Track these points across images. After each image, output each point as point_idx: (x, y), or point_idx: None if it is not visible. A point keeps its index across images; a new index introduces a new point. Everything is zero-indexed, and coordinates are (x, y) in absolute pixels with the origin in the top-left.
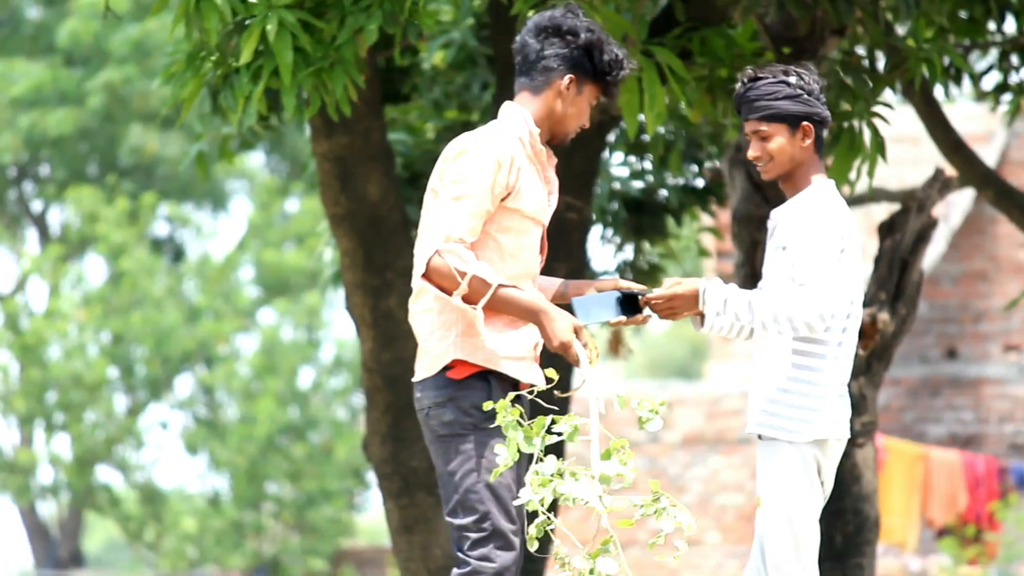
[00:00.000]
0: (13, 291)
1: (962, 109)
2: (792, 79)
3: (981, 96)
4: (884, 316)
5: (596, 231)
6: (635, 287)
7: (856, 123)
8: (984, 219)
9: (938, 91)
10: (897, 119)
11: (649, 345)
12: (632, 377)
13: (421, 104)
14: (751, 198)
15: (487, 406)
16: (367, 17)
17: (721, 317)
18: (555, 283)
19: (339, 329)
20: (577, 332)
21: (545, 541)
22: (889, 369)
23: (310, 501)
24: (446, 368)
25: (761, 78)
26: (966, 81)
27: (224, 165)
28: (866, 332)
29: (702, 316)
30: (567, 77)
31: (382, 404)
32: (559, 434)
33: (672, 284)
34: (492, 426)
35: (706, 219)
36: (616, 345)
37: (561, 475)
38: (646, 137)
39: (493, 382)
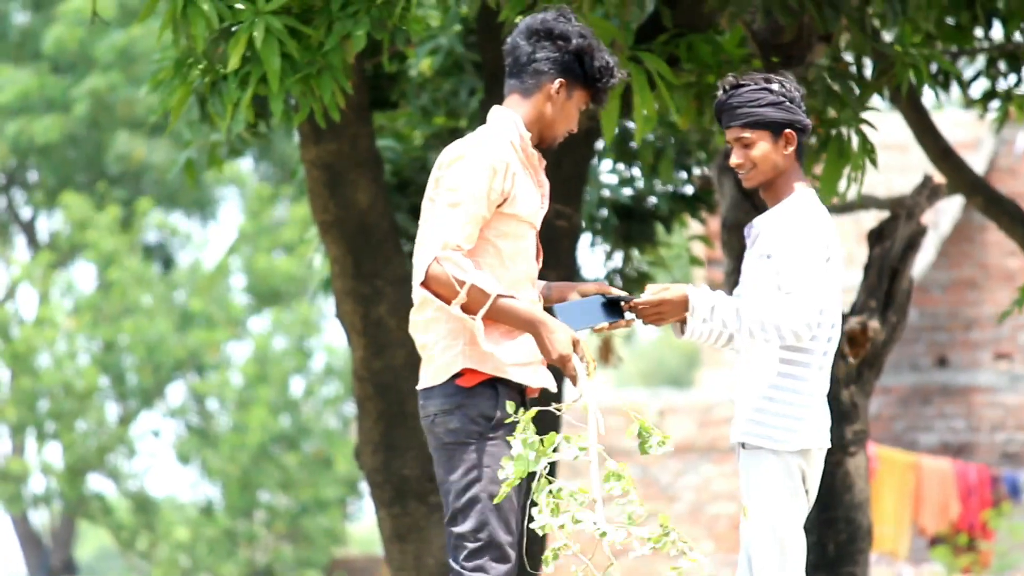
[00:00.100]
0: (3, 299)
1: (950, 116)
2: (774, 86)
3: (969, 103)
4: (874, 324)
5: (585, 239)
6: (618, 292)
7: (844, 130)
8: (973, 227)
9: (926, 98)
10: (885, 126)
11: (641, 354)
12: (624, 386)
13: (409, 111)
14: (740, 205)
15: (511, 407)
16: (355, 23)
17: (707, 324)
18: (538, 286)
19: (330, 337)
20: (575, 344)
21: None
22: (880, 377)
23: (303, 510)
24: (454, 376)
25: (743, 85)
26: (954, 88)
27: (213, 172)
28: (856, 340)
29: (683, 322)
30: (557, 81)
31: (374, 412)
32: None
33: (660, 289)
34: (497, 436)
35: (696, 227)
36: (606, 353)
37: (573, 496)
38: (634, 144)
39: (501, 390)
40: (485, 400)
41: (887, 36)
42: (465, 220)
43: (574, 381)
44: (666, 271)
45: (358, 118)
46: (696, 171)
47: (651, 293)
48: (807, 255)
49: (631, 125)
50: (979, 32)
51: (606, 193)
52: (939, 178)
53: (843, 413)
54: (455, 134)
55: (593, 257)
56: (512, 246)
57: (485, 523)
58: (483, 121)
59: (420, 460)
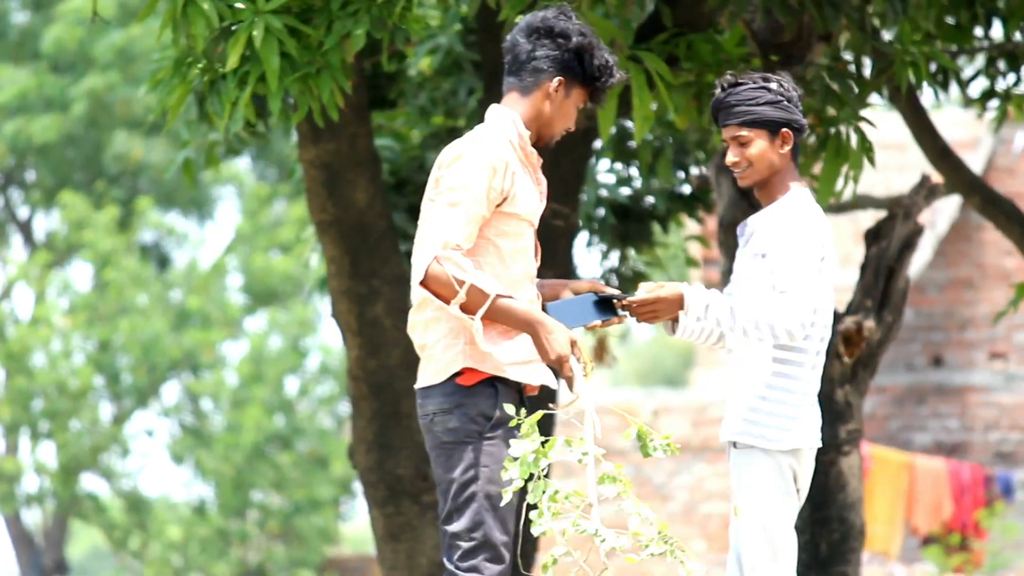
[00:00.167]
0: None
1: (949, 115)
2: (773, 85)
3: (968, 102)
4: (870, 324)
5: (582, 238)
6: (610, 290)
7: (843, 129)
8: (970, 226)
9: (925, 97)
10: (883, 125)
11: (636, 353)
12: (619, 385)
13: (407, 110)
14: (738, 204)
15: (510, 409)
16: (354, 22)
17: (700, 322)
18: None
19: (325, 336)
20: (572, 345)
21: (531, 552)
22: (875, 377)
23: (296, 510)
24: (454, 375)
25: (741, 83)
26: (953, 87)
27: (211, 172)
28: (852, 340)
29: (675, 320)
30: (556, 79)
31: (368, 412)
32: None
33: (655, 287)
34: (496, 435)
35: (692, 227)
36: (601, 353)
37: (568, 499)
38: (632, 143)
39: (500, 388)
40: (485, 399)
41: (887, 35)
42: (465, 219)
43: (570, 383)
44: (662, 271)
45: (357, 118)
46: (694, 171)
47: (646, 291)
48: (802, 254)
49: (629, 124)
50: (979, 31)
51: (603, 192)
52: (937, 177)
53: (837, 412)
54: (453, 133)
55: (590, 256)
56: (512, 245)
57: (481, 522)
58: (482, 120)
59: (414, 460)
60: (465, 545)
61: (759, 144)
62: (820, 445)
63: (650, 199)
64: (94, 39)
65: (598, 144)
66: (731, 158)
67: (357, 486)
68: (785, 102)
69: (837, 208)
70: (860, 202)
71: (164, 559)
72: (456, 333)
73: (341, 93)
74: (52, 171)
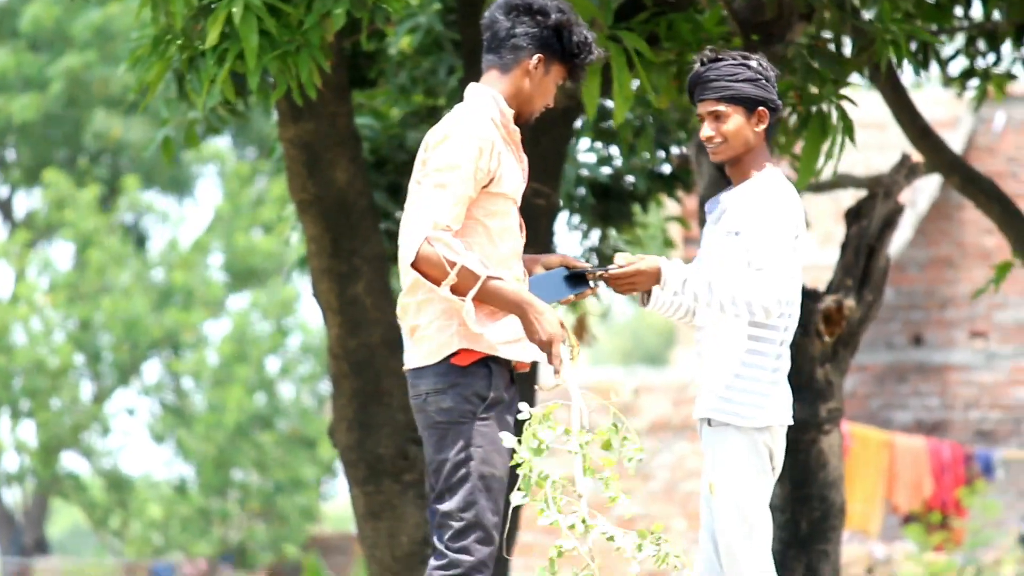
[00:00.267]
0: None
1: (929, 95)
2: (752, 63)
3: (948, 81)
4: (850, 302)
5: (563, 217)
6: (580, 263)
7: (824, 107)
8: (951, 205)
9: (905, 76)
10: (864, 105)
11: (617, 331)
12: (601, 364)
13: (387, 89)
14: (718, 184)
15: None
16: (334, 1)
17: (678, 296)
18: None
19: (306, 315)
20: (561, 327)
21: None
22: (855, 356)
23: (278, 489)
24: (448, 356)
25: (721, 59)
26: (933, 66)
27: (192, 151)
28: (832, 318)
29: (647, 293)
30: (536, 57)
31: (348, 391)
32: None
33: (636, 260)
34: (490, 416)
35: (672, 207)
36: (580, 331)
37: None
38: (612, 122)
39: (494, 368)
40: (479, 379)
41: (867, 14)
42: (453, 200)
43: (557, 366)
44: (642, 251)
45: (337, 97)
46: (674, 150)
47: (625, 262)
48: (778, 232)
49: (609, 103)
50: (958, 11)
51: (584, 172)
52: (917, 157)
53: (818, 391)
54: (433, 112)
55: (570, 236)
56: (499, 224)
57: (473, 503)
58: (462, 99)
59: (394, 438)
60: (456, 525)
61: (735, 120)
62: (792, 423)
63: (630, 178)
64: (72, 18)
65: (579, 123)
66: (706, 132)
67: (338, 465)
68: (763, 81)
69: (818, 187)
70: (841, 181)
71: (145, 538)
72: (449, 314)
73: (320, 72)
74: (32, 150)
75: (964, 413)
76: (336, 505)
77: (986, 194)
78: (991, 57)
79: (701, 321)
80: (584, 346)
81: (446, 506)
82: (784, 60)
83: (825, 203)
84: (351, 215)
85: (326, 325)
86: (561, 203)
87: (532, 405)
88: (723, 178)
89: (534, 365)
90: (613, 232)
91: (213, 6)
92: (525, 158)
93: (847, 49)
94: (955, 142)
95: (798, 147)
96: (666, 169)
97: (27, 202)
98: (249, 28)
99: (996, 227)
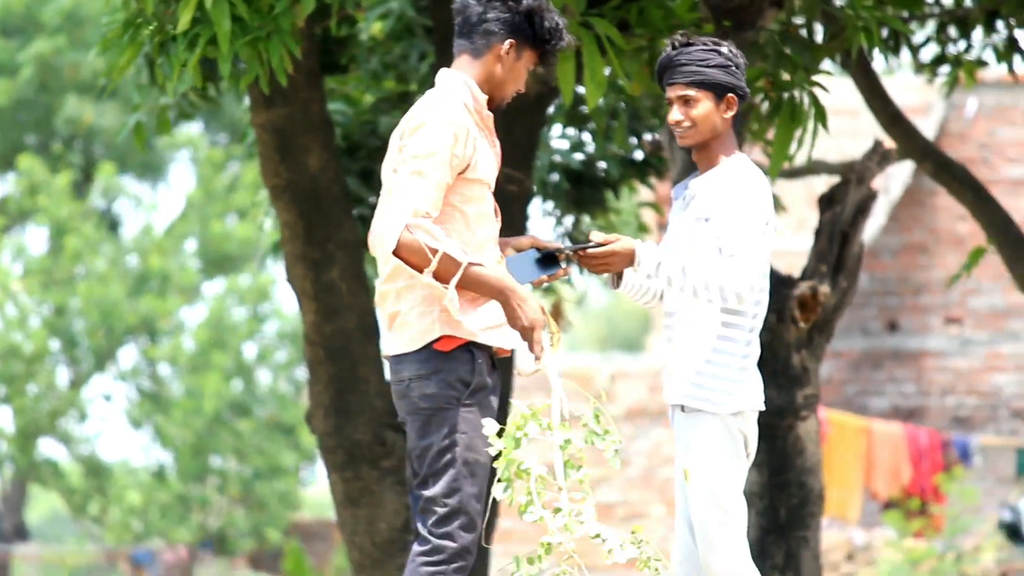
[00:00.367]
0: None
1: (900, 81)
2: (723, 49)
3: (919, 68)
4: (825, 289)
5: (536, 203)
6: (550, 243)
7: (796, 93)
8: (923, 192)
9: (877, 63)
10: (836, 91)
11: (593, 317)
12: (577, 350)
13: (359, 75)
14: (691, 170)
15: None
16: None
17: (651, 279)
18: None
19: (282, 301)
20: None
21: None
22: (830, 342)
23: (256, 475)
24: (431, 341)
25: (692, 44)
26: (905, 53)
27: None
28: (807, 305)
29: (618, 275)
30: (507, 42)
31: (325, 377)
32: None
33: (612, 239)
34: (473, 401)
35: (646, 193)
36: (556, 317)
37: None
38: (585, 108)
39: (476, 354)
40: (463, 365)
41: (838, 1)
42: (431, 187)
43: (538, 353)
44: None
45: (309, 83)
46: (647, 136)
47: (601, 240)
48: (749, 219)
49: (581, 90)
50: None
51: (557, 158)
52: (889, 143)
53: (794, 377)
54: (405, 98)
55: (544, 222)
56: (476, 210)
57: (458, 489)
58: (433, 85)
59: (372, 424)
60: (440, 511)
61: (705, 105)
62: (763, 408)
63: (603, 165)
64: (42, 3)
65: (551, 110)
66: (675, 116)
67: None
68: (733, 67)
69: (791, 173)
70: (813, 167)
71: (124, 524)
72: (431, 300)
73: (291, 58)
74: (3, 135)
75: (940, 399)
76: (316, 491)
77: (959, 180)
78: (962, 44)
79: (671, 307)
80: (560, 332)
81: (430, 491)
82: (756, 46)
83: (798, 189)
84: (324, 201)
85: (301, 311)
86: (535, 189)
87: (510, 391)
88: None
89: (513, 351)
90: (586, 218)
91: None
92: (498, 143)
93: (819, 36)
94: (927, 128)
95: (770, 133)
96: (639, 155)
97: (1, 188)
98: (221, 13)
99: (969, 213)
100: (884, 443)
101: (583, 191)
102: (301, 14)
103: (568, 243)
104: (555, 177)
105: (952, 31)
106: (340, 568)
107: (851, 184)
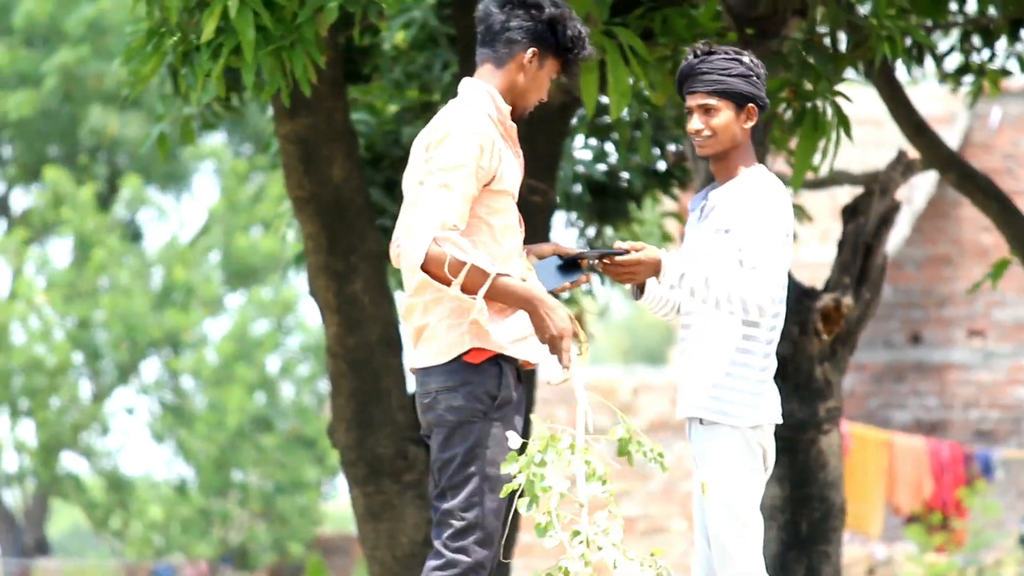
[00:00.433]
0: None
1: (924, 91)
2: (745, 59)
3: (943, 77)
4: (848, 301)
5: (559, 214)
6: (571, 250)
7: (820, 103)
8: (947, 202)
9: (900, 72)
10: (860, 101)
11: (616, 330)
12: (601, 363)
13: (382, 84)
14: (713, 181)
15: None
16: None
17: (674, 290)
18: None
19: (306, 314)
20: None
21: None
22: (853, 354)
23: (278, 489)
24: (460, 354)
25: (714, 53)
26: (929, 62)
27: (189, 147)
28: (830, 317)
29: (640, 287)
30: (530, 51)
31: (347, 390)
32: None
33: (639, 247)
34: (500, 416)
35: (669, 203)
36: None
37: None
38: (608, 119)
39: (504, 367)
40: (491, 378)
41: (862, 10)
42: (459, 200)
43: (566, 363)
44: None
45: (332, 92)
46: (670, 147)
47: (627, 248)
48: (771, 231)
49: (604, 100)
50: (953, 6)
51: (580, 169)
52: (913, 153)
53: (816, 390)
54: (428, 108)
55: (567, 233)
56: (501, 221)
57: (476, 503)
58: (456, 95)
59: (394, 438)
60: (457, 524)
61: (725, 115)
62: (780, 421)
63: (626, 175)
64: (65, 13)
65: (574, 120)
66: (695, 125)
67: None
68: (755, 78)
69: (814, 184)
70: (837, 178)
71: (146, 538)
72: (459, 313)
73: (315, 68)
74: (28, 146)
75: (963, 412)
76: (337, 505)
77: (983, 191)
78: (986, 53)
79: (687, 319)
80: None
81: (448, 504)
82: (779, 56)
83: (822, 200)
84: (348, 212)
85: (324, 323)
86: (557, 200)
87: (532, 403)
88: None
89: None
90: (609, 229)
91: (208, 0)
92: (520, 152)
93: (842, 45)
94: (951, 138)
95: (793, 143)
96: (662, 166)
97: (24, 199)
98: (245, 22)
99: (993, 224)
100: (906, 457)
101: (606, 202)
102: (325, 23)
103: (587, 248)
104: (578, 188)
105: (976, 40)
106: None
107: (875, 195)
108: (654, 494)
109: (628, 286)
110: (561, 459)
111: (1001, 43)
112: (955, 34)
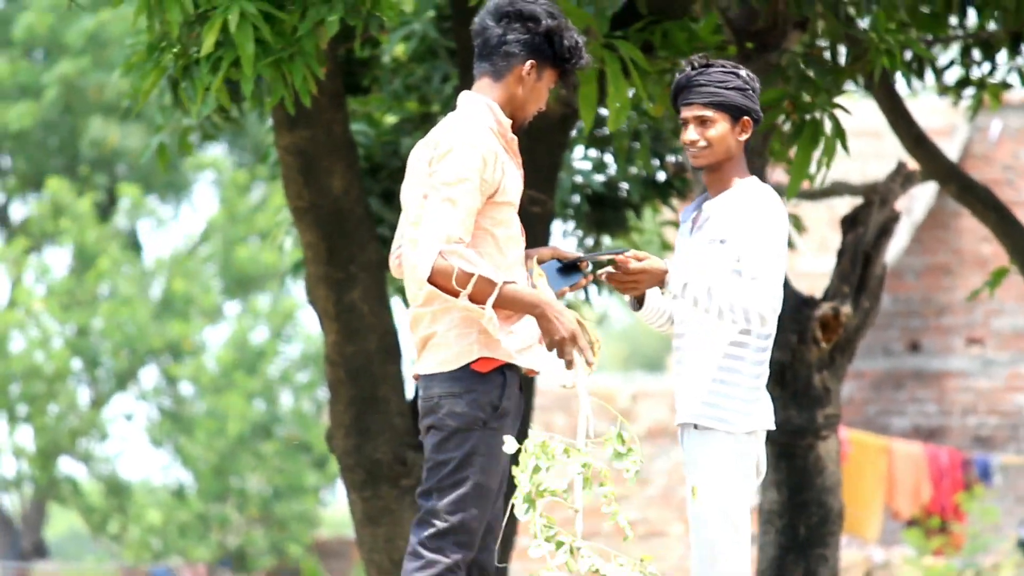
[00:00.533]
0: None
1: (924, 103)
2: (742, 72)
3: (943, 90)
4: (847, 309)
5: (558, 225)
6: (571, 253)
7: (818, 115)
8: (947, 213)
9: (900, 85)
10: (860, 113)
11: (615, 337)
12: (599, 370)
13: (381, 96)
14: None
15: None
16: (329, 9)
17: (677, 300)
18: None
19: (306, 323)
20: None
21: (509, 534)
22: (852, 362)
23: (277, 494)
24: (468, 362)
25: (712, 65)
26: (928, 75)
27: (190, 158)
28: (829, 325)
29: (639, 299)
30: (528, 63)
31: (345, 397)
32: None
33: (644, 256)
34: (499, 426)
35: (668, 213)
36: None
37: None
38: (607, 130)
39: (508, 377)
40: (495, 388)
41: (862, 23)
42: (463, 214)
43: (571, 366)
44: None
45: (332, 104)
46: (669, 158)
47: (631, 255)
48: (770, 241)
49: (603, 112)
50: (953, 20)
51: (578, 179)
52: (913, 165)
53: (815, 397)
54: (427, 119)
55: (565, 243)
56: (505, 232)
57: (462, 508)
58: (455, 107)
59: (392, 444)
60: (440, 525)
61: (721, 127)
62: (773, 428)
63: (624, 186)
64: (66, 25)
65: (573, 131)
66: (691, 136)
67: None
68: (751, 91)
69: (813, 195)
70: (836, 189)
71: (143, 542)
72: (469, 322)
73: (315, 80)
74: (28, 157)
75: (961, 419)
76: (335, 510)
77: (982, 202)
78: (986, 66)
79: (681, 328)
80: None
81: (432, 503)
82: (778, 68)
83: (821, 210)
84: (347, 222)
85: (323, 332)
86: (556, 210)
87: (531, 408)
88: None
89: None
90: (608, 239)
91: (208, 13)
92: (520, 162)
93: (842, 58)
94: (951, 150)
95: (791, 153)
96: (661, 177)
97: (23, 209)
98: (245, 36)
99: (992, 235)
100: (905, 463)
101: (605, 212)
102: (325, 36)
103: (589, 266)
104: (577, 198)
105: (976, 54)
106: None
107: (874, 205)
108: (653, 499)
109: (627, 298)
110: (557, 464)
111: (1001, 56)
112: (955, 47)
